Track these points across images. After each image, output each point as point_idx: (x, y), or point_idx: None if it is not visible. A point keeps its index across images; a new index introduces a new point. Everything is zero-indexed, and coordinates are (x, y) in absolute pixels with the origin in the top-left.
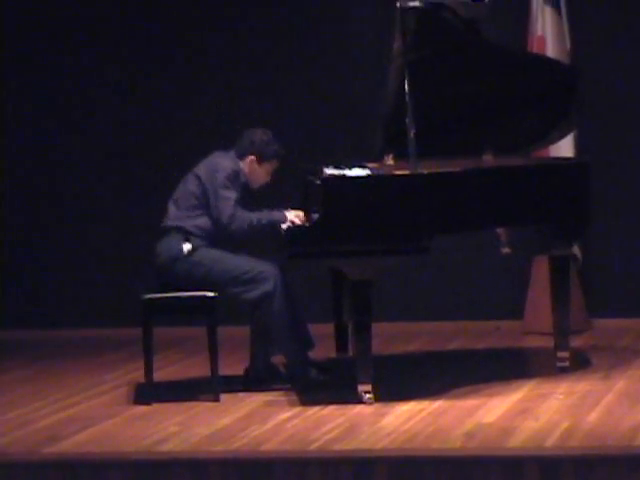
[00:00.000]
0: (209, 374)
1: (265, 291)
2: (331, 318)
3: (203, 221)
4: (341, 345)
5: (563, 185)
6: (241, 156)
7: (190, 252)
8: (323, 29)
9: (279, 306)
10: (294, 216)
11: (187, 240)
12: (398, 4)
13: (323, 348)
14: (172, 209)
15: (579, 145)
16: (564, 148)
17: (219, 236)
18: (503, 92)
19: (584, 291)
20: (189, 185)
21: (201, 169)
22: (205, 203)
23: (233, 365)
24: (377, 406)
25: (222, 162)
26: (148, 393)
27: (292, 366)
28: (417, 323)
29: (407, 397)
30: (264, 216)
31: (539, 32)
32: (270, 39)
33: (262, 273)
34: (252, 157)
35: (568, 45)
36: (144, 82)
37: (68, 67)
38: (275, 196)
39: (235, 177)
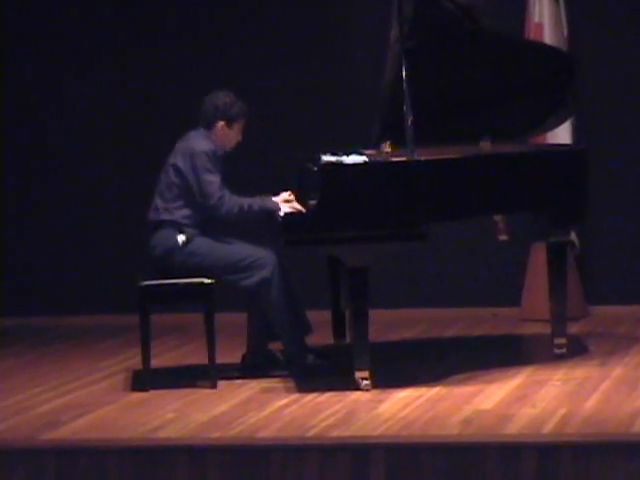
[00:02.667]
0: (206, 361)
1: (263, 277)
2: (328, 305)
3: (189, 210)
4: (338, 332)
5: (560, 172)
6: (209, 125)
7: (185, 243)
8: (320, 16)
9: (277, 293)
10: (288, 207)
11: (181, 232)
12: None
13: (320, 335)
14: (159, 202)
15: (576, 132)
16: (561, 135)
17: (209, 222)
18: (500, 79)
19: (581, 278)
20: (170, 176)
21: (178, 157)
22: (188, 192)
23: (230, 352)
24: (374, 393)
25: (196, 145)
26: (145, 380)
27: (289, 352)
28: (415, 310)
29: (404, 384)
30: (255, 202)
31: (536, 19)
32: (267, 26)
33: (259, 260)
34: (221, 123)
35: (565, 32)
36: (137, 69)
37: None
38: (271, 183)
39: (213, 157)
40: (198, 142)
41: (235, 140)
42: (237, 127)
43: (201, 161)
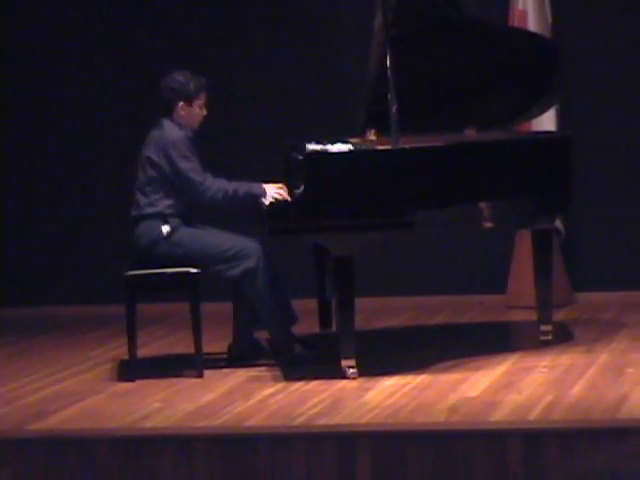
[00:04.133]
0: (193, 350)
1: (247, 268)
2: (314, 294)
3: (170, 200)
4: (324, 320)
5: (545, 159)
6: (170, 109)
7: (170, 233)
8: (307, 4)
9: (262, 282)
10: (275, 192)
11: (165, 222)
12: None
13: (307, 323)
14: (141, 198)
15: (561, 119)
16: (546, 122)
17: (190, 211)
18: (485, 67)
19: (567, 265)
20: (147, 171)
21: (151, 150)
22: (166, 183)
23: (217, 341)
24: (361, 381)
25: (168, 135)
26: (132, 369)
27: (276, 342)
28: (400, 298)
29: (391, 372)
30: (241, 187)
31: (520, 6)
32: (255, 14)
33: (244, 250)
34: (181, 103)
35: (549, 19)
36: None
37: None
38: (257, 171)
39: (186, 142)
40: (169, 131)
41: (200, 116)
42: (198, 103)
43: (175, 151)
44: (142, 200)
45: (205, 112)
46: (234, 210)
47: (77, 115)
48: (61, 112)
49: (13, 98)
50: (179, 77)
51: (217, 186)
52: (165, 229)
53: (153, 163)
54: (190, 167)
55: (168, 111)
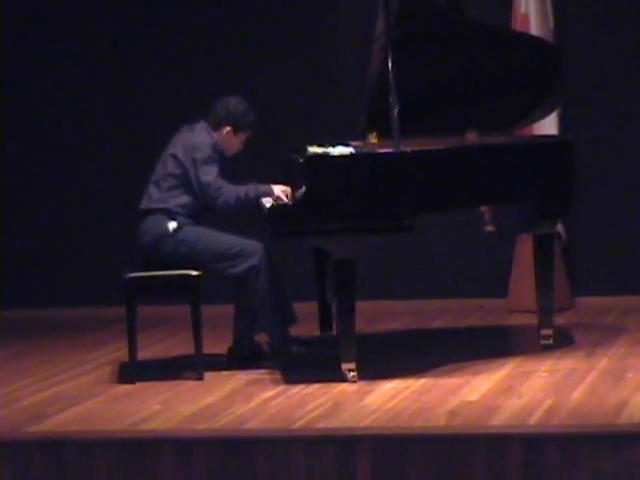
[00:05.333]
0: (193, 353)
1: (251, 265)
2: (315, 297)
3: (185, 199)
4: (325, 323)
5: (547, 163)
6: (216, 126)
7: (176, 230)
8: (308, 8)
9: (264, 281)
10: (281, 191)
11: (172, 219)
12: None
13: (307, 327)
14: (153, 191)
15: (563, 123)
16: (548, 126)
17: (202, 213)
18: (487, 70)
19: (568, 269)
20: (168, 166)
21: (178, 148)
22: (186, 182)
23: (217, 344)
24: (361, 384)
25: (199, 139)
26: (132, 372)
27: (275, 344)
28: (401, 301)
29: (391, 375)
30: (251, 189)
31: (523, 10)
32: (255, 18)
33: (247, 248)
34: (228, 128)
35: (552, 23)
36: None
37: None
38: (259, 175)
39: (214, 150)
40: (201, 135)
41: (237, 149)
42: (242, 136)
43: (202, 153)
44: (155, 194)
45: (242, 147)
46: (245, 213)
47: (78, 117)
48: (61, 114)
49: (13, 99)
50: (239, 104)
51: (229, 191)
52: (172, 226)
53: (178, 160)
54: (208, 170)
55: (214, 126)
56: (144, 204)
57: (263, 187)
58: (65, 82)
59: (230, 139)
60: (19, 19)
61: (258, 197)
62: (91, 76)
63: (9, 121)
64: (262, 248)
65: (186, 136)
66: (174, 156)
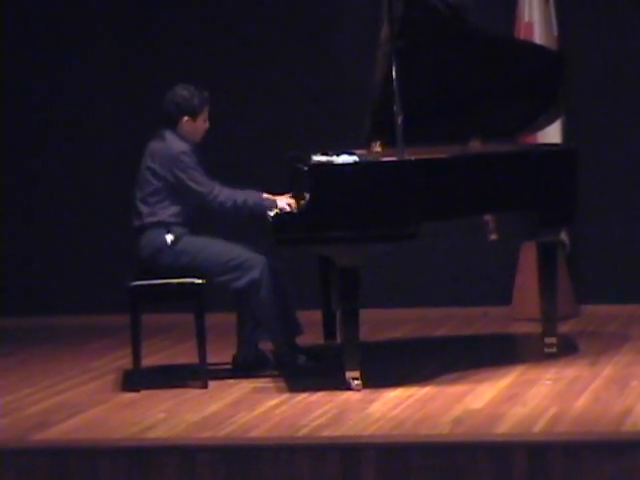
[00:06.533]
0: (197, 361)
1: (252, 279)
2: (319, 305)
3: (176, 209)
4: (329, 332)
5: (551, 171)
6: (174, 123)
7: (174, 242)
8: (311, 14)
9: (266, 293)
10: (285, 204)
11: (169, 231)
12: None
13: (311, 335)
14: (143, 208)
15: (567, 131)
16: (552, 134)
17: (196, 220)
18: (491, 78)
19: (572, 277)
20: (151, 181)
21: (155, 161)
22: (172, 192)
23: (221, 352)
24: (365, 392)
25: (171, 147)
26: (136, 380)
27: (280, 353)
28: (405, 309)
29: (395, 383)
30: (251, 197)
31: (527, 19)
32: (258, 25)
33: (248, 261)
34: (185, 118)
35: (556, 32)
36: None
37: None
38: (263, 183)
39: (190, 154)
40: (172, 144)
41: (203, 130)
42: (202, 118)
43: (180, 164)
44: (145, 210)
45: (207, 125)
46: (241, 220)
47: (78, 124)
48: (62, 122)
49: (13, 103)
50: (183, 92)
51: (225, 195)
52: (169, 238)
53: (157, 175)
54: (195, 178)
55: (171, 124)
56: (136, 222)
57: (266, 199)
58: (67, 89)
59: (192, 126)
60: (19, 19)
61: (258, 207)
62: (91, 76)
63: (9, 126)
64: (263, 259)
65: (157, 147)
66: (153, 170)
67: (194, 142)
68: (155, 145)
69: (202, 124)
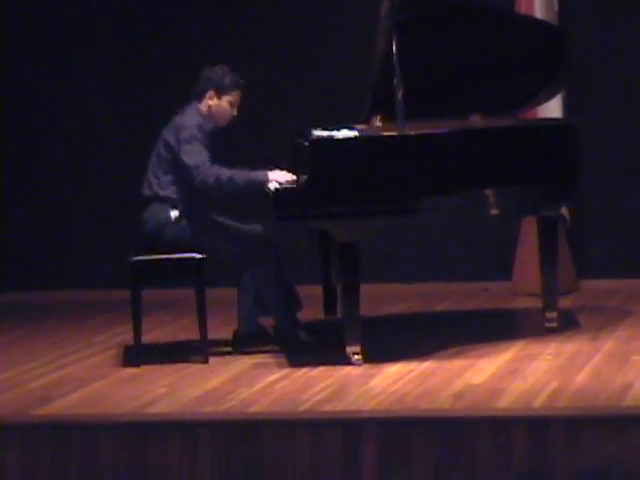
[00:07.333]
0: (198, 336)
1: (253, 254)
2: (319, 280)
3: (182, 185)
4: (329, 307)
5: (551, 146)
6: (201, 96)
7: (178, 218)
8: None
9: (267, 269)
10: (278, 176)
11: (174, 207)
12: None
13: (311, 310)
14: (152, 177)
15: (567, 106)
16: (552, 109)
17: (196, 197)
18: (491, 53)
19: (572, 252)
20: (161, 152)
21: (168, 133)
22: (177, 166)
23: (222, 327)
24: (365, 367)
25: (184, 120)
26: (137, 355)
27: (281, 328)
28: (405, 284)
29: (396, 358)
30: (241, 175)
31: None
32: (259, 3)
33: (250, 236)
34: (211, 92)
35: (556, 6)
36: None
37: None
38: (263, 158)
39: (199, 130)
40: (188, 116)
41: (228, 114)
42: (228, 98)
43: (185, 132)
44: (153, 180)
45: (235, 112)
46: (236, 197)
47: (76, 101)
48: (60, 98)
49: (12, 88)
50: (218, 69)
51: (212, 172)
52: (174, 214)
53: (168, 145)
54: (189, 151)
55: (197, 97)
56: (145, 191)
57: (258, 174)
58: (65, 75)
59: (217, 104)
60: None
61: (249, 184)
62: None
63: (7, 106)
64: (265, 235)
65: (177, 119)
66: (165, 141)
67: (215, 123)
68: (175, 117)
69: (227, 106)
